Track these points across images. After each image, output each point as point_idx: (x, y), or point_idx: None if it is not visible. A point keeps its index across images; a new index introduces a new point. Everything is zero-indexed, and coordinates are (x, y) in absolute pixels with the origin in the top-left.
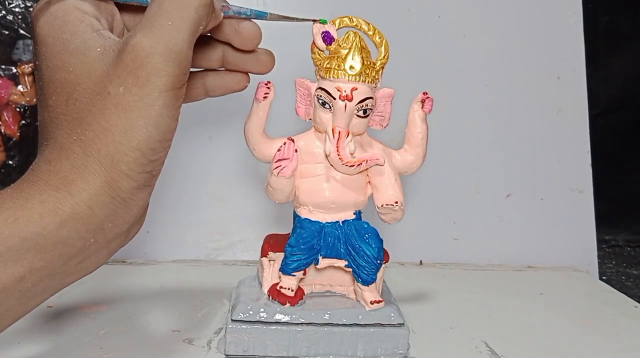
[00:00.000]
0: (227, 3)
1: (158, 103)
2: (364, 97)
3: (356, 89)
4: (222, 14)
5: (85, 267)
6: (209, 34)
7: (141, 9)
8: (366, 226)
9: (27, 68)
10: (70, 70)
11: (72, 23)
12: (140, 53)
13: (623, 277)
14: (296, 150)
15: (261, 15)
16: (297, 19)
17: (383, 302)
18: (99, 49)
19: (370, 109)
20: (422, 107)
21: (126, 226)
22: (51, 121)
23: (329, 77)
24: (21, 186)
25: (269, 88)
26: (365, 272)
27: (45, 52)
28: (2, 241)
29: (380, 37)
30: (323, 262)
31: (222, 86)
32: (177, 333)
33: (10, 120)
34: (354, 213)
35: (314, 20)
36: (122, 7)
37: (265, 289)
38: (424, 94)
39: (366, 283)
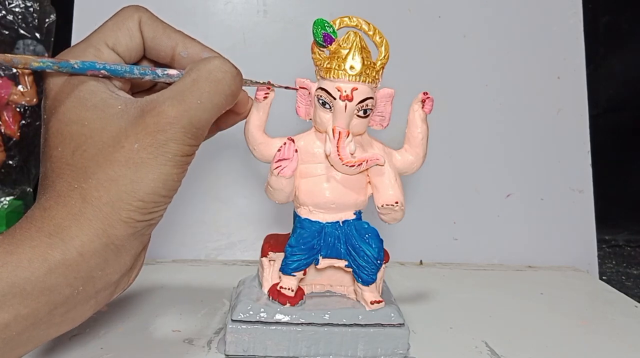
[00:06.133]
0: None
1: (170, 164)
2: (364, 97)
3: (356, 89)
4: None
5: (71, 317)
6: None
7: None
8: (366, 226)
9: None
10: (85, 124)
11: (88, 83)
12: (164, 120)
13: (623, 277)
14: (296, 150)
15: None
16: (290, 88)
17: (383, 302)
18: (120, 107)
19: (371, 109)
20: (422, 107)
21: (116, 276)
22: (53, 171)
23: (329, 77)
24: (13, 232)
25: (269, 88)
26: (366, 272)
27: (58, 106)
28: None
29: (380, 37)
30: (323, 262)
31: None
32: (177, 333)
33: (10, 120)
34: (354, 214)
35: (299, 88)
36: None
37: (266, 289)
38: (424, 94)
39: (366, 283)
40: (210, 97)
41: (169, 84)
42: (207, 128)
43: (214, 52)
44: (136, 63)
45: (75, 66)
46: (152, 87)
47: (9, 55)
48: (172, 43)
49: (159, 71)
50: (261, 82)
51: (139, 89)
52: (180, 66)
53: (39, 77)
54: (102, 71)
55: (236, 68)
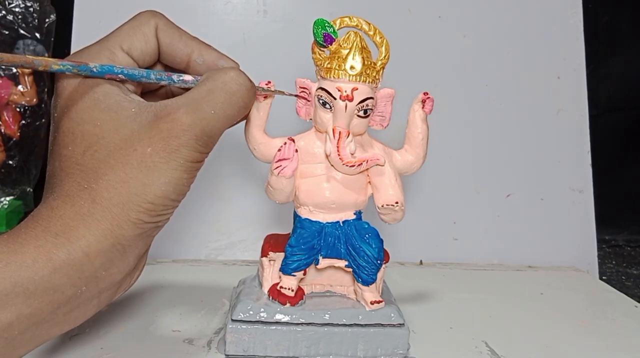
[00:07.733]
0: None
1: (181, 169)
2: (364, 97)
3: (357, 89)
4: None
5: (73, 317)
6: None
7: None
8: (366, 226)
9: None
10: (97, 124)
11: (103, 85)
12: (178, 127)
13: (623, 277)
14: (296, 150)
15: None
16: (299, 96)
17: (383, 302)
18: (133, 110)
19: (371, 109)
20: (422, 107)
21: (120, 276)
22: (61, 170)
23: (330, 77)
24: (18, 231)
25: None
26: (366, 272)
27: (71, 105)
28: None
29: (380, 37)
30: (323, 262)
31: None
32: (177, 333)
33: (10, 120)
34: (355, 214)
35: (296, 96)
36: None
37: (266, 289)
38: (424, 94)
39: (366, 283)
40: (224, 108)
41: (182, 89)
42: (218, 137)
43: (230, 60)
44: (149, 67)
45: (94, 69)
46: (158, 90)
47: (30, 56)
48: (188, 50)
49: (174, 77)
50: (273, 90)
51: (146, 90)
52: (196, 72)
53: (39, 78)
54: (119, 75)
55: (251, 81)
